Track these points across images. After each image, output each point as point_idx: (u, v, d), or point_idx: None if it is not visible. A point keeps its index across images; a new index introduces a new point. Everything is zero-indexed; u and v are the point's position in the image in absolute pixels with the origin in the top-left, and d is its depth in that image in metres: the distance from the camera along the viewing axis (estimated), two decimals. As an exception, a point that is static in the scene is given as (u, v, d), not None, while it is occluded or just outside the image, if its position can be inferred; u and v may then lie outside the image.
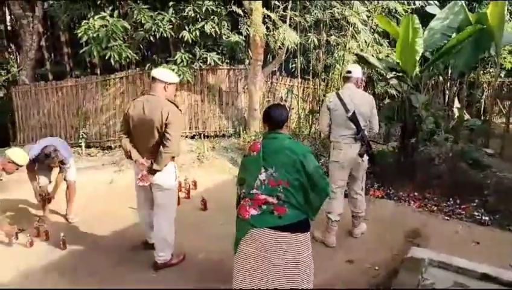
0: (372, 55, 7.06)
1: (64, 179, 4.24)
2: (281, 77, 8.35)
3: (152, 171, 2.95)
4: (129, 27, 6.96)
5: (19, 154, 3.64)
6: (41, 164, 3.99)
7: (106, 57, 6.85)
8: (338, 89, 8.16)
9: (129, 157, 3.10)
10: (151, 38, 7.04)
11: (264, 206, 2.08)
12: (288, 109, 2.50)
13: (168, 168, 3.01)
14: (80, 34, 6.69)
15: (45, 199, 4.21)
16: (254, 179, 2.14)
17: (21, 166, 3.67)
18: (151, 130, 2.92)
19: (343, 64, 7.73)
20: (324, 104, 3.58)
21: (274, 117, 2.25)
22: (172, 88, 3.07)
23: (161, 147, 2.91)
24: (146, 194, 3.21)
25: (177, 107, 3.02)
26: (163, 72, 3.09)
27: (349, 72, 3.57)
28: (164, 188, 3.05)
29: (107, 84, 7.90)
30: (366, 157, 3.50)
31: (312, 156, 2.17)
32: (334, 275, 3.01)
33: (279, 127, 2.24)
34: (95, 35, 6.62)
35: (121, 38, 6.85)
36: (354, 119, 3.33)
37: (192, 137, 7.62)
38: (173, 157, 3.05)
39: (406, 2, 7.21)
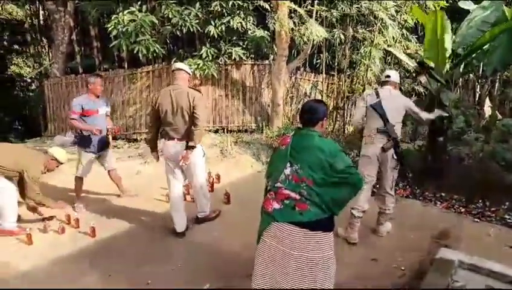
0: (400, 51, 6.89)
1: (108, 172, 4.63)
2: (305, 73, 8.29)
3: (190, 148, 3.45)
4: (157, 22, 7.07)
5: (61, 152, 3.83)
6: (95, 105, 4.33)
7: (134, 51, 6.99)
8: (363, 85, 8.05)
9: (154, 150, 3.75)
10: (178, 32, 7.13)
11: (287, 201, 2.08)
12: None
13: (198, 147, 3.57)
14: (109, 29, 6.86)
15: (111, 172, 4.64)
16: (280, 173, 2.14)
17: (62, 163, 3.85)
18: (182, 114, 3.42)
19: (369, 60, 7.58)
20: (361, 98, 3.64)
21: (307, 113, 2.22)
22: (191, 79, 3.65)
23: (193, 126, 3.42)
24: (178, 174, 3.68)
25: (200, 92, 3.57)
26: (185, 65, 3.62)
27: (388, 76, 3.61)
28: (196, 160, 3.60)
29: (134, 77, 8.07)
30: (395, 157, 3.46)
31: (342, 154, 2.13)
32: (358, 273, 2.98)
33: (312, 125, 2.21)
34: (124, 29, 6.77)
35: (149, 33, 6.98)
36: (378, 108, 3.40)
37: (216, 131, 7.70)
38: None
39: (437, -3, 6.97)
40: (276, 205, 2.11)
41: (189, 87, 3.56)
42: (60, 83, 9.04)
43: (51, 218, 3.97)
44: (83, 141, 4.30)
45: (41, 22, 11.68)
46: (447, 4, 6.99)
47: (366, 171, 3.46)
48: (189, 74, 3.60)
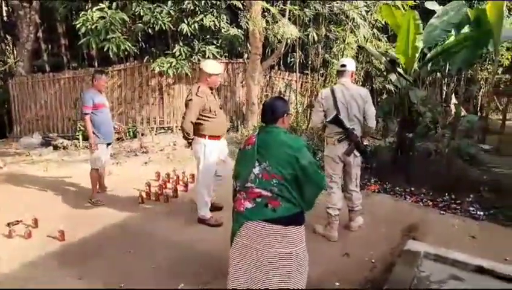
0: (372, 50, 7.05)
1: None
2: (279, 71, 8.36)
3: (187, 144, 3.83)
4: (128, 19, 6.93)
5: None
6: (101, 99, 4.46)
7: (104, 49, 6.82)
8: (335, 84, 8.19)
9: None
10: (150, 30, 7.02)
11: (259, 200, 2.10)
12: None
13: (197, 141, 3.67)
14: (78, 26, 6.66)
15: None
16: (248, 172, 2.15)
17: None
18: None
19: (341, 58, 7.73)
20: (317, 101, 3.56)
21: (269, 111, 2.25)
22: (212, 78, 3.65)
23: None
24: None
25: (195, 93, 3.55)
26: (204, 64, 3.72)
27: (343, 65, 3.51)
28: (196, 156, 3.75)
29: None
30: (358, 155, 3.49)
31: (307, 151, 2.16)
32: (331, 268, 3.04)
33: (274, 122, 2.24)
34: (93, 27, 6.60)
35: (120, 31, 6.83)
36: (336, 121, 3.33)
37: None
38: (203, 135, 3.64)
39: (405, -2, 7.19)
40: (248, 204, 2.12)
41: (199, 86, 3.64)
42: (25, 82, 8.68)
43: (16, 222, 3.81)
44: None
45: (5, 19, 11.16)
46: (415, 3, 7.22)
47: (331, 171, 3.51)
48: (206, 73, 3.64)
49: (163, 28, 6.88)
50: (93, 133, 4.33)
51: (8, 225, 3.71)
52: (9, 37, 11.34)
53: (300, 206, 2.13)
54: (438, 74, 8.32)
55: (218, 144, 3.74)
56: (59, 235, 3.52)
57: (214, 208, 4.00)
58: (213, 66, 3.66)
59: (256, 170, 2.13)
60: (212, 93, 3.71)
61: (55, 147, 7.48)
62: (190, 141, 3.72)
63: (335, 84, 7.97)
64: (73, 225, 3.78)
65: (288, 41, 7.02)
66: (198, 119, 3.59)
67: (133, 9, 6.82)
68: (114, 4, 7.13)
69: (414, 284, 2.27)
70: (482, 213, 4.16)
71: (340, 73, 3.55)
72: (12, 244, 3.44)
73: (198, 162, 3.76)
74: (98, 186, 4.64)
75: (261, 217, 2.08)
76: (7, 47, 11.50)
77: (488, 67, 9.13)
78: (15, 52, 10.43)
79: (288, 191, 2.08)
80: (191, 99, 3.54)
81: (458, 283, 2.33)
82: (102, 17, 6.66)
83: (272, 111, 2.24)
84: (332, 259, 3.20)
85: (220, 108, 3.78)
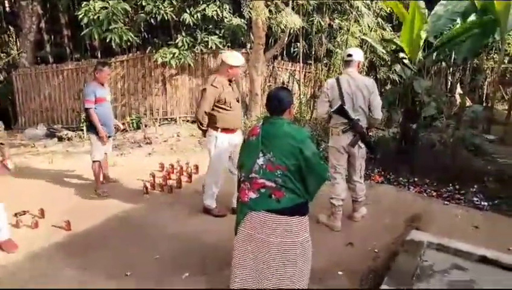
0: (375, 39, 6.99)
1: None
2: (282, 62, 8.30)
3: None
4: (130, 9, 6.89)
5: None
6: (102, 93, 4.43)
7: (107, 40, 6.79)
8: (340, 74, 8.14)
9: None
10: (152, 21, 6.98)
11: (263, 190, 2.11)
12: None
13: (210, 132, 3.64)
14: (80, 16, 6.63)
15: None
16: (253, 163, 2.15)
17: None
18: None
19: (345, 48, 7.66)
20: (323, 91, 3.53)
21: (276, 102, 2.23)
22: (234, 70, 3.59)
23: None
24: None
25: (211, 84, 3.51)
26: (226, 55, 3.66)
27: (349, 55, 3.48)
28: (207, 149, 3.75)
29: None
30: (363, 146, 3.47)
31: (310, 141, 2.16)
32: (334, 258, 3.06)
33: (280, 113, 2.23)
34: (95, 17, 6.57)
35: (122, 21, 6.80)
36: (341, 112, 3.30)
37: (194, 121, 7.62)
38: (216, 127, 3.58)
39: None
40: (252, 195, 2.13)
41: (216, 77, 3.58)
42: (29, 74, 8.69)
43: (23, 213, 3.86)
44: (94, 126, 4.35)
45: (7, 10, 11.13)
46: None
47: (335, 161, 3.50)
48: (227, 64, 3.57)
49: (166, 18, 6.83)
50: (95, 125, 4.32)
51: (16, 215, 3.76)
52: (12, 28, 11.34)
53: (304, 197, 2.14)
54: (443, 63, 8.23)
55: (231, 138, 3.64)
56: (65, 225, 3.57)
57: (234, 211, 3.80)
58: (235, 58, 3.57)
59: (260, 161, 2.13)
60: (230, 84, 3.63)
61: (60, 139, 7.53)
62: (205, 130, 3.69)
63: (339, 74, 7.95)
64: (79, 216, 3.82)
65: (292, 31, 6.96)
66: (212, 110, 3.53)
67: (135, -1, 6.79)
68: (116, -6, 7.08)
69: (417, 273, 2.28)
70: (486, 203, 4.16)
71: (347, 63, 3.51)
72: (19, 234, 3.49)
73: (208, 153, 3.74)
74: (102, 178, 4.67)
75: (265, 208, 2.10)
76: (10, 38, 11.51)
77: (495, 56, 9.01)
78: (18, 43, 10.43)
79: (291, 182, 2.08)
80: (205, 89, 3.51)
81: (461, 273, 2.35)
82: (105, 8, 6.62)
83: (279, 102, 2.23)
84: (335, 249, 3.22)
85: (237, 101, 3.68)
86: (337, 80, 3.43)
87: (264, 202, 2.10)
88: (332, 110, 3.37)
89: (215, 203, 3.84)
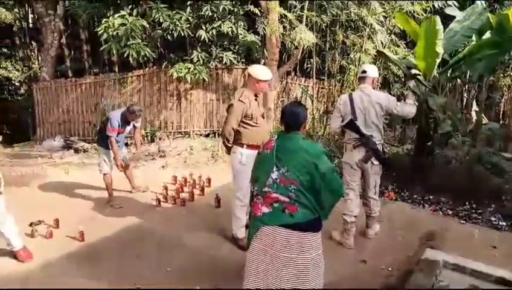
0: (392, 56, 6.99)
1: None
2: (296, 77, 8.36)
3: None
4: (147, 26, 7.09)
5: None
6: (124, 126, 4.53)
7: (125, 55, 6.98)
8: (353, 90, 8.14)
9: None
10: (169, 37, 7.15)
11: (276, 205, 2.10)
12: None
13: (234, 149, 3.43)
14: (100, 32, 6.85)
15: (126, 167, 4.80)
16: (267, 177, 2.15)
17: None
18: None
19: (358, 65, 7.68)
20: (336, 107, 3.56)
21: (290, 118, 2.23)
22: (261, 84, 3.40)
23: None
24: None
25: (238, 99, 3.34)
26: (254, 69, 3.49)
27: (364, 71, 3.52)
28: (232, 167, 3.55)
29: (125, 81, 8.05)
30: (376, 163, 3.44)
31: (326, 157, 2.16)
32: (347, 275, 3.01)
33: (296, 129, 2.23)
34: (114, 33, 6.77)
35: (140, 37, 6.99)
36: (351, 127, 3.33)
37: (207, 135, 7.71)
38: (241, 143, 3.38)
39: (424, 2, 7.10)
40: (266, 209, 2.13)
41: (243, 92, 3.42)
42: (49, 87, 8.96)
43: (38, 222, 3.93)
44: (105, 141, 4.48)
45: (31, 25, 11.59)
46: (432, 8, 7.12)
47: (349, 177, 3.49)
48: (254, 78, 3.38)
49: (182, 34, 7.00)
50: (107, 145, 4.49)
51: (31, 224, 3.83)
52: (34, 43, 11.78)
53: (318, 213, 2.12)
54: (459, 80, 8.16)
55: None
56: (79, 236, 3.62)
57: (247, 227, 3.59)
58: (263, 72, 3.39)
59: (274, 175, 2.13)
60: (256, 99, 3.45)
61: (76, 150, 7.68)
62: (230, 147, 3.49)
63: (352, 90, 7.95)
64: (93, 227, 3.86)
65: (305, 47, 7.03)
66: (238, 126, 3.35)
67: (153, 16, 6.97)
68: (135, 11, 7.31)
69: (432, 293, 2.23)
70: (504, 223, 4.05)
71: (361, 79, 3.55)
72: (34, 243, 3.55)
73: (233, 172, 3.53)
74: (131, 188, 4.90)
75: (278, 222, 2.08)
76: (32, 53, 11.94)
77: (511, 73, 8.89)
78: (39, 58, 10.79)
79: (305, 197, 2.07)
80: (232, 105, 3.34)
81: (479, 294, 2.28)
82: (123, 24, 6.83)
83: (295, 118, 2.23)
84: (348, 266, 3.17)
85: (263, 117, 3.48)
86: (350, 95, 3.46)
87: (278, 217, 2.09)
88: (342, 124, 3.38)
89: (243, 232, 3.45)
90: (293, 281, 2.08)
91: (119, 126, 4.41)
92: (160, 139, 7.72)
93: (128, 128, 4.65)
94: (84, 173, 6.04)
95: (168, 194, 4.71)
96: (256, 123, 3.37)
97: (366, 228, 3.70)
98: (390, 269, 3.11)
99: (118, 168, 4.58)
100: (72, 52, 10.53)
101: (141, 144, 5.27)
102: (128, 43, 6.83)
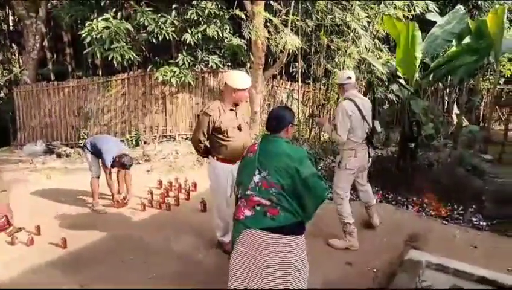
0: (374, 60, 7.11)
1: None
2: (281, 81, 8.41)
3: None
4: (132, 29, 7.03)
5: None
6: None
7: (109, 58, 6.90)
8: (338, 94, 8.23)
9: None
10: (154, 40, 7.10)
11: (258, 208, 2.10)
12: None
13: (209, 159, 3.29)
14: (83, 35, 6.75)
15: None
16: (249, 180, 2.16)
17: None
18: None
19: (343, 69, 7.78)
20: (342, 111, 3.42)
21: (274, 120, 2.25)
22: (239, 94, 3.06)
23: None
24: None
25: (205, 110, 3.10)
26: (228, 76, 3.25)
27: (349, 77, 3.57)
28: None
29: (109, 85, 7.95)
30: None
31: (308, 162, 2.15)
32: (332, 277, 3.03)
33: (278, 131, 2.24)
34: (98, 36, 6.68)
35: (124, 40, 6.92)
36: (367, 118, 3.50)
37: (193, 139, 7.65)
38: (213, 155, 3.22)
39: (406, 8, 7.26)
40: (248, 212, 2.13)
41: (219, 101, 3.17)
42: (30, 91, 8.77)
43: (19, 229, 3.82)
44: (97, 154, 4.46)
45: (11, 28, 11.33)
46: (414, 13, 7.29)
47: (346, 184, 3.56)
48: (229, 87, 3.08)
49: (167, 37, 6.96)
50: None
51: (11, 231, 3.73)
52: (15, 46, 11.51)
53: (300, 217, 2.11)
54: (440, 84, 8.37)
55: (233, 168, 3.01)
56: (61, 242, 3.53)
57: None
58: (240, 80, 3.02)
59: (256, 178, 2.13)
60: (233, 110, 3.10)
61: (59, 155, 7.52)
62: (204, 156, 3.35)
63: (337, 94, 8.01)
64: (75, 233, 3.78)
65: (291, 51, 7.09)
66: (210, 138, 3.15)
67: (138, 19, 6.92)
68: (119, 14, 7.25)
69: (416, 293, 2.26)
70: (484, 223, 4.15)
71: (350, 85, 3.55)
72: (15, 251, 3.45)
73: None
74: (126, 192, 4.75)
75: (259, 226, 2.08)
76: (13, 56, 11.67)
77: (490, 77, 9.17)
78: (20, 61, 10.56)
79: (287, 200, 2.07)
80: (198, 115, 3.19)
81: (460, 293, 2.32)
82: (107, 27, 6.75)
83: (277, 121, 2.25)
84: (334, 268, 3.19)
85: (239, 129, 3.11)
86: (355, 103, 3.45)
87: (259, 220, 2.09)
88: (355, 115, 3.41)
89: (228, 237, 3.31)
90: (275, 284, 2.07)
91: (113, 159, 4.37)
92: (145, 143, 7.64)
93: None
94: (67, 178, 5.92)
95: (154, 198, 4.66)
96: (228, 137, 3.06)
97: (370, 218, 3.91)
98: (375, 270, 3.14)
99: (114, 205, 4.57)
100: (55, 55, 10.35)
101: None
102: (112, 46, 6.75)
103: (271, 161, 2.13)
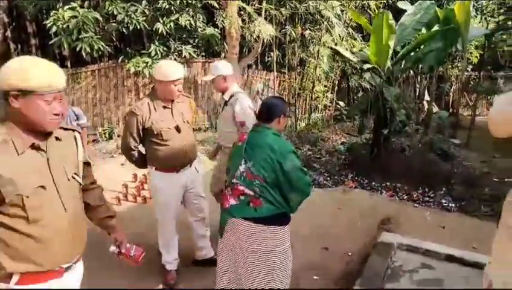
0: (346, 49, 7.20)
1: None
2: (257, 71, 8.38)
3: None
4: (101, 18, 6.78)
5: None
6: None
7: (77, 49, 6.64)
8: (313, 82, 8.30)
9: None
10: (124, 30, 6.89)
11: (242, 197, 2.10)
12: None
13: (148, 169, 2.80)
14: (48, 25, 6.46)
15: None
16: (236, 169, 2.15)
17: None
18: None
19: (318, 58, 7.84)
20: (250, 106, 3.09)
21: (266, 109, 2.20)
22: (164, 86, 2.53)
23: None
24: None
25: (131, 110, 2.62)
26: (156, 68, 2.65)
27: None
28: None
29: (79, 77, 7.68)
30: None
31: (293, 156, 2.10)
32: (309, 262, 3.08)
33: (268, 121, 2.19)
34: (64, 26, 6.41)
35: (93, 30, 6.66)
36: None
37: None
38: (151, 164, 2.71)
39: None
40: (233, 201, 2.13)
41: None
42: (-6, 84, 8.35)
43: None
44: None
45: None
46: (385, 1, 7.41)
47: None
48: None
49: (138, 27, 6.77)
50: None
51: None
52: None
53: (284, 208, 2.11)
54: (412, 72, 8.57)
55: (176, 178, 2.66)
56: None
57: (197, 263, 3.06)
58: (167, 70, 2.48)
59: (242, 168, 2.12)
60: (168, 107, 2.58)
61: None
62: (140, 165, 2.80)
63: (312, 82, 8.08)
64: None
65: (265, 40, 7.06)
66: (146, 143, 2.64)
67: (106, 8, 6.67)
68: (86, 3, 6.96)
69: (388, 274, 2.34)
70: (453, 205, 4.33)
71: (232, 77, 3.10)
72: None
73: None
74: None
75: (242, 215, 2.08)
76: (-27, 48, 11.05)
77: (458, 65, 9.47)
78: (-18, 53, 10.01)
79: (269, 193, 2.06)
80: (125, 117, 2.72)
81: (429, 271, 2.42)
82: (74, 17, 6.48)
83: (269, 110, 2.18)
84: (311, 253, 3.25)
85: (178, 130, 2.59)
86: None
87: (243, 210, 2.09)
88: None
89: (172, 262, 2.90)
90: (260, 273, 2.09)
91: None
92: (118, 136, 7.45)
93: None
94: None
95: (129, 192, 4.58)
96: (162, 140, 2.56)
97: None
98: (350, 254, 3.23)
99: None
100: (19, 46, 9.86)
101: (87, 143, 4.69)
102: (80, 37, 6.50)
103: (256, 152, 2.10)
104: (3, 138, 1.30)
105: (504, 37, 8.85)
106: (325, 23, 7.60)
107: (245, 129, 2.84)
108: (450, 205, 4.35)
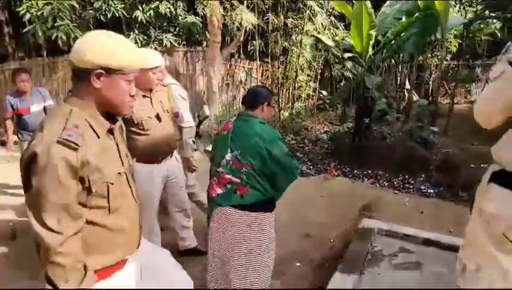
0: (329, 38, 7.21)
1: None
2: (239, 60, 8.31)
3: None
4: (77, 5, 6.56)
5: None
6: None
7: (53, 38, 6.42)
8: (296, 72, 8.30)
9: None
10: (102, 17, 6.69)
11: (229, 186, 2.11)
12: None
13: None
14: (21, 13, 6.21)
15: None
16: (221, 158, 2.15)
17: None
18: None
19: (300, 47, 7.83)
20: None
21: (251, 96, 2.23)
22: (146, 75, 2.45)
23: None
24: None
25: None
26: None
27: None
28: None
29: (56, 67, 7.44)
30: None
31: (280, 142, 2.15)
32: (292, 249, 3.12)
33: (252, 108, 2.21)
34: (39, 14, 6.17)
35: (69, 18, 6.44)
36: None
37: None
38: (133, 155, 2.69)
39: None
40: (219, 190, 2.14)
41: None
42: (-35, 74, 8.00)
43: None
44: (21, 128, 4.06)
45: None
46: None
47: None
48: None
49: (117, 14, 6.58)
50: (19, 133, 4.08)
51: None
52: None
53: (269, 195, 2.15)
54: (393, 61, 8.68)
55: (156, 169, 2.62)
56: (10, 234, 3.34)
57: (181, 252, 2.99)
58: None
59: (228, 157, 2.12)
60: (147, 96, 2.54)
61: (3, 143, 7.01)
62: None
63: (296, 71, 8.08)
64: (25, 223, 3.58)
65: (247, 28, 6.99)
66: (126, 134, 2.63)
67: (83, -6, 6.48)
68: (62, -11, 6.71)
69: (368, 258, 2.39)
70: (431, 191, 4.46)
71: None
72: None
73: None
74: None
75: (229, 203, 2.10)
76: None
77: (438, 54, 9.63)
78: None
79: (256, 180, 2.08)
80: None
81: (408, 255, 2.49)
82: (49, 3, 6.24)
83: (253, 97, 2.22)
84: (293, 240, 3.28)
85: (158, 119, 2.56)
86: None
87: (229, 198, 2.10)
88: None
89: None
90: (246, 260, 2.12)
91: (13, 107, 3.88)
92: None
93: (34, 103, 3.91)
94: (13, 166, 5.54)
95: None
96: (144, 130, 2.52)
97: None
98: (332, 240, 3.28)
99: (7, 150, 4.27)
100: (-9, 34, 9.45)
101: None
102: (55, 25, 6.27)
103: (243, 140, 2.12)
104: (84, 121, 1.21)
105: (482, 26, 9.05)
106: (308, 11, 7.58)
107: (179, 121, 2.83)
108: (429, 191, 4.47)
